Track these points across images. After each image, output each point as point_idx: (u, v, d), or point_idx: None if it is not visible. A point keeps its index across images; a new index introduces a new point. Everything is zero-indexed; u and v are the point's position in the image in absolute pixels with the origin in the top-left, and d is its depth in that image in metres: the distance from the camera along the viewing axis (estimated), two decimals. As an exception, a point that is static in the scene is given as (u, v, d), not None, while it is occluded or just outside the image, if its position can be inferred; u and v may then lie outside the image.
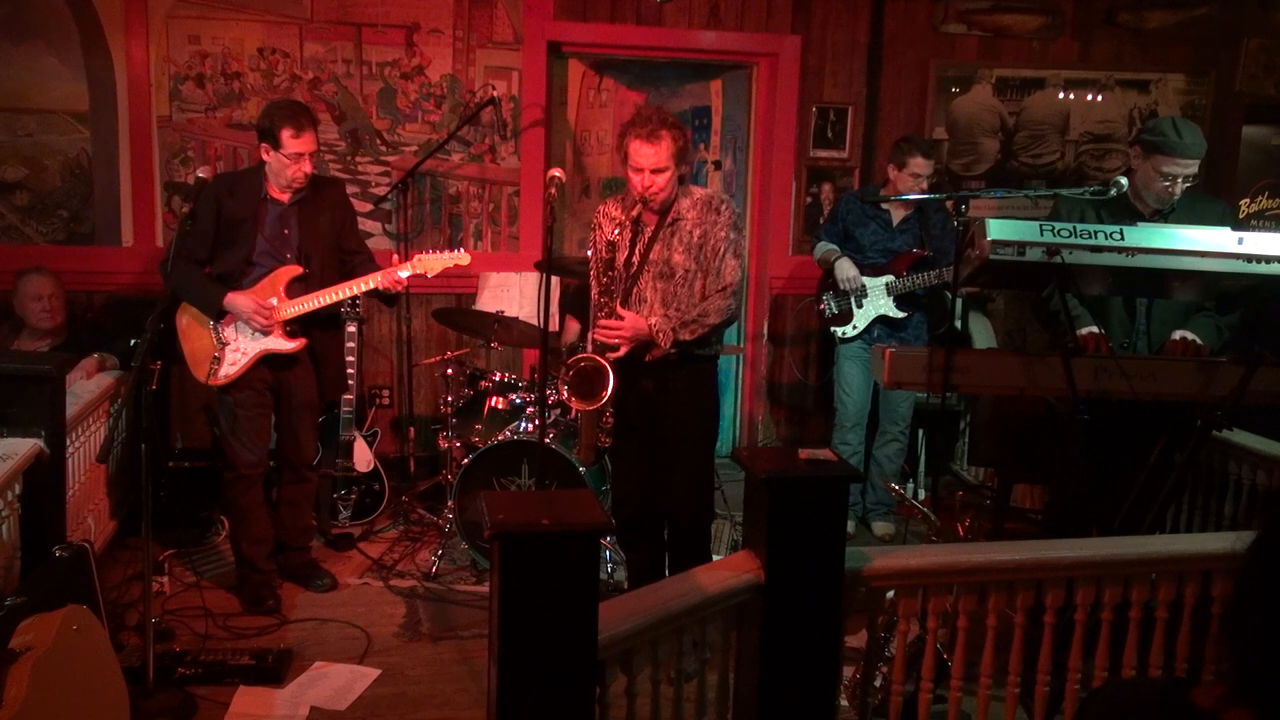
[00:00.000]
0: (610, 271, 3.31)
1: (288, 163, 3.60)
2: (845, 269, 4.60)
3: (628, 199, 3.37)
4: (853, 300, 4.62)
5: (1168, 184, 3.29)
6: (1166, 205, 3.34)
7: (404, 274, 3.75)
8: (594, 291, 3.42)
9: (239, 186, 3.72)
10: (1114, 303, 3.41)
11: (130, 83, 4.89)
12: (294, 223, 3.75)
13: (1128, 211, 3.35)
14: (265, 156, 3.65)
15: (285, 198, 3.71)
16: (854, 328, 4.66)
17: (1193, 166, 3.28)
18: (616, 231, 3.31)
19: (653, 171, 3.22)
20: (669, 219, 3.35)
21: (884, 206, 4.61)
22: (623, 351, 3.28)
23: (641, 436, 3.46)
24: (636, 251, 3.38)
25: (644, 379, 3.38)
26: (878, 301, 4.60)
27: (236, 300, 3.67)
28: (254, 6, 4.96)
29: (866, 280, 4.59)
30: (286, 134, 3.56)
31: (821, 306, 4.76)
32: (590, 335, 3.39)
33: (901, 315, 4.58)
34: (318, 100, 5.04)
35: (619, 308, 3.30)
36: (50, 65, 4.83)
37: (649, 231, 3.37)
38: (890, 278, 4.57)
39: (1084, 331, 3.29)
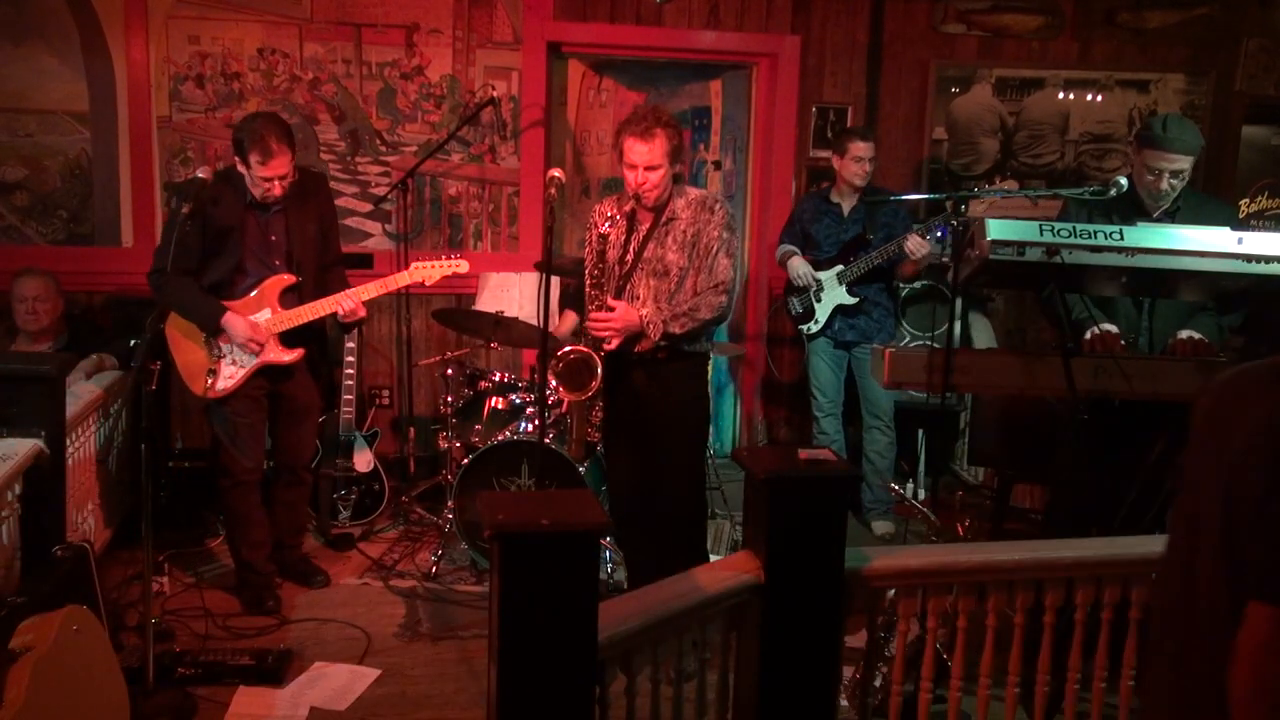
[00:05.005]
0: (601, 264, 3.38)
1: (258, 182, 3.56)
2: (796, 267, 4.75)
3: (622, 198, 3.44)
4: (812, 296, 4.73)
5: (1153, 178, 3.31)
6: (1162, 201, 3.35)
7: (398, 285, 3.81)
8: (587, 286, 3.46)
9: (223, 194, 3.62)
10: (1121, 299, 3.41)
11: (130, 83, 4.89)
12: (280, 228, 3.71)
13: (1136, 210, 3.36)
14: (240, 169, 3.59)
15: (269, 203, 3.67)
16: (817, 322, 4.76)
17: (1180, 162, 3.27)
18: (607, 225, 3.39)
19: (646, 169, 3.28)
20: (664, 217, 3.40)
21: (834, 200, 4.76)
22: (615, 344, 3.33)
23: (633, 432, 3.50)
24: (631, 249, 3.43)
25: (634, 372, 3.43)
26: (833, 292, 4.70)
27: (233, 325, 3.61)
28: (254, 7, 4.96)
29: (822, 275, 4.71)
30: (254, 159, 3.49)
31: (789, 308, 4.87)
32: (584, 327, 3.43)
33: (854, 301, 4.67)
34: (318, 100, 5.05)
35: (610, 299, 3.35)
36: (50, 65, 4.83)
37: (644, 229, 3.42)
38: (840, 267, 4.68)
39: (1091, 333, 3.30)
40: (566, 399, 3.44)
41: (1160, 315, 3.39)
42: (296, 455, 3.97)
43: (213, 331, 3.67)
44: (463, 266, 3.84)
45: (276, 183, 3.56)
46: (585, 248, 3.53)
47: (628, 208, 3.40)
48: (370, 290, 3.75)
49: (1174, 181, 3.30)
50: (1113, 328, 3.31)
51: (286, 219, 3.71)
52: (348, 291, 3.72)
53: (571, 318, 3.66)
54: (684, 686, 2.31)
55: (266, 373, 3.75)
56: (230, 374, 3.70)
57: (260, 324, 3.67)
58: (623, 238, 3.45)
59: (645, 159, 3.27)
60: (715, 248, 3.36)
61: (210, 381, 3.67)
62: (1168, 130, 3.26)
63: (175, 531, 4.37)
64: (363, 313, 3.74)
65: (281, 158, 3.50)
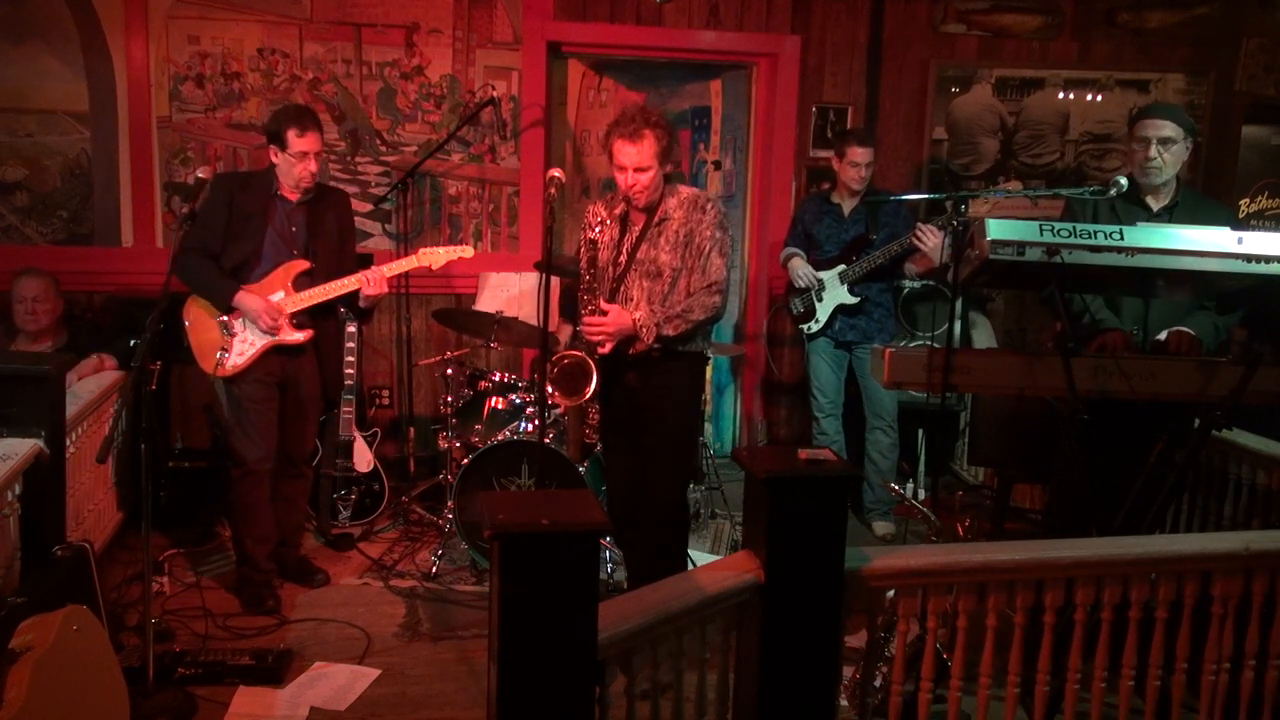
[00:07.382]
0: (592, 269, 3.40)
1: (294, 162, 3.68)
2: (796, 268, 4.76)
3: (613, 200, 3.46)
4: (814, 295, 4.73)
5: (1141, 147, 3.34)
6: (1153, 176, 3.35)
7: (408, 266, 3.90)
8: (580, 290, 3.48)
9: (251, 183, 3.82)
10: (1127, 299, 3.42)
11: (130, 83, 4.90)
12: (301, 221, 3.82)
13: (1136, 204, 3.40)
14: (274, 158, 3.73)
15: (294, 197, 3.78)
16: (818, 322, 4.78)
17: (1166, 129, 3.31)
18: (598, 229, 3.41)
19: (636, 170, 3.29)
20: (656, 218, 3.39)
21: (834, 200, 4.78)
22: (609, 347, 3.33)
23: (628, 432, 3.50)
24: (624, 250, 3.43)
25: (628, 373, 3.43)
26: (835, 292, 4.71)
27: (246, 300, 3.70)
28: (254, 7, 4.96)
29: (824, 274, 4.72)
30: (291, 134, 3.65)
31: (790, 307, 4.89)
32: (578, 330, 3.44)
33: (855, 300, 4.67)
34: (318, 100, 5.04)
35: (603, 302, 3.36)
36: (50, 65, 4.83)
37: (636, 230, 3.42)
38: (843, 266, 4.69)
39: (1098, 337, 3.31)
40: (563, 404, 3.46)
41: (1156, 312, 3.40)
42: (297, 446, 3.99)
43: (226, 309, 3.73)
44: (467, 252, 3.96)
45: (312, 157, 3.71)
46: (580, 251, 3.55)
47: (619, 210, 3.41)
48: (391, 268, 3.83)
49: (1162, 149, 3.32)
50: (1117, 321, 3.32)
51: (307, 214, 3.83)
52: (371, 268, 3.80)
53: (567, 329, 3.66)
54: (684, 687, 2.31)
55: (276, 357, 3.79)
56: (241, 351, 3.75)
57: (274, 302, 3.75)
58: (615, 239, 3.45)
59: (635, 160, 3.27)
60: (708, 247, 3.35)
61: (221, 359, 3.72)
62: (1154, 104, 3.30)
63: (176, 531, 4.37)
64: (386, 288, 3.81)
65: (315, 132, 3.71)
